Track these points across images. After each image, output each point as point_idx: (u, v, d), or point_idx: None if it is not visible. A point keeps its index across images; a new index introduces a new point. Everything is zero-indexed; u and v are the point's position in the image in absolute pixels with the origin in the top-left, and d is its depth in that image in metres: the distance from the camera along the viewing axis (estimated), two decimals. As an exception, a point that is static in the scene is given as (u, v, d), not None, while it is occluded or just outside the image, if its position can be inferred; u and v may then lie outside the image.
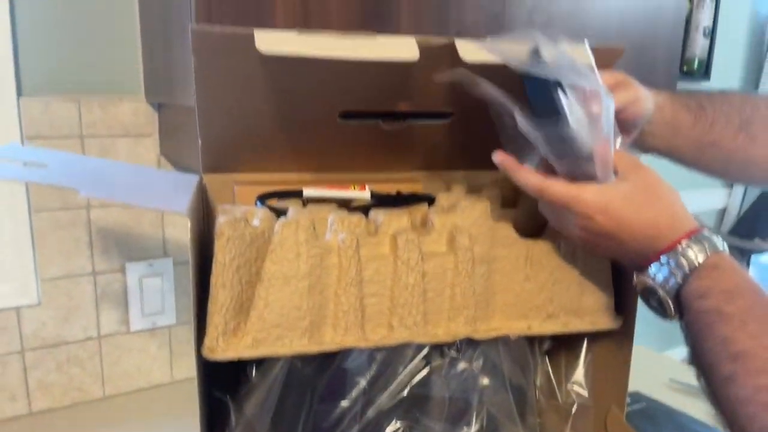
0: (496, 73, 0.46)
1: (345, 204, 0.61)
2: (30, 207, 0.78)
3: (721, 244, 0.44)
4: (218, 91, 0.51)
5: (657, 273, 0.44)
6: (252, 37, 0.44)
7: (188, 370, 0.92)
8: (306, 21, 0.65)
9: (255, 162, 0.62)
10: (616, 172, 0.47)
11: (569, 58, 0.45)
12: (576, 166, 0.46)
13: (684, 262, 0.43)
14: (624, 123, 0.54)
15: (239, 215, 0.46)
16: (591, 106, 0.45)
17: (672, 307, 0.44)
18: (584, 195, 0.46)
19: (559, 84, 0.44)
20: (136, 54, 0.82)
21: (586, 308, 0.55)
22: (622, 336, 0.57)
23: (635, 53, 0.88)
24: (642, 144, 0.61)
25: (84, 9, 0.78)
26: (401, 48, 0.46)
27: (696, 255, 0.43)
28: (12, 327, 0.79)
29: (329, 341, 0.48)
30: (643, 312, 0.50)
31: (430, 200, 0.60)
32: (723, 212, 1.67)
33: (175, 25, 0.68)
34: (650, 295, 0.46)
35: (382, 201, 0.60)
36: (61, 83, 0.79)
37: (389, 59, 0.45)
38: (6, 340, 0.79)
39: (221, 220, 0.46)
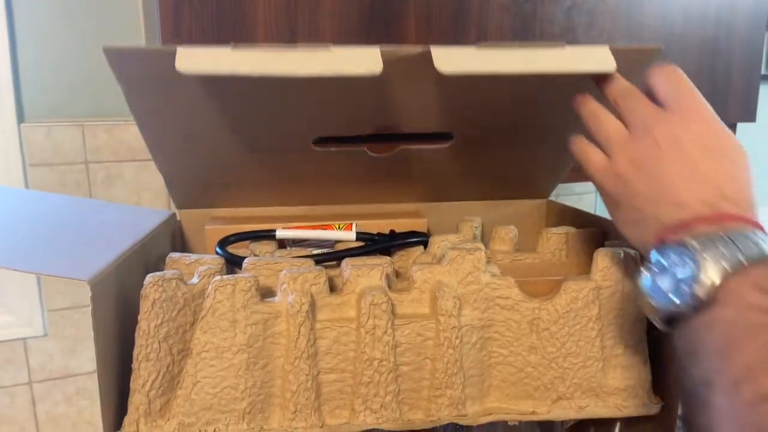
0: (482, 84, 0.36)
1: (328, 245, 0.53)
2: (33, 236, 0.75)
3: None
4: (160, 121, 0.45)
5: (706, 242, 0.31)
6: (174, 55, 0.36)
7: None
8: (293, 34, 0.57)
9: (229, 197, 0.55)
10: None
11: None
12: None
13: (750, 244, 0.30)
14: None
15: (170, 275, 0.39)
16: None
17: (710, 291, 0.30)
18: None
19: None
20: (142, 74, 0.78)
21: (609, 388, 0.43)
22: (662, 419, 0.45)
23: (705, 54, 0.73)
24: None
25: (87, 32, 0.75)
26: (361, 60, 0.37)
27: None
28: (19, 359, 0.77)
29: (276, 426, 0.39)
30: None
31: (426, 243, 0.51)
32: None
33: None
34: (679, 264, 0.31)
35: (369, 243, 0.52)
36: (65, 108, 0.75)
37: (345, 74, 0.36)
38: (13, 372, 0.77)
39: (147, 280, 0.39)
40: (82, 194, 0.77)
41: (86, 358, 0.80)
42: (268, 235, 0.51)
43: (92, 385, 0.81)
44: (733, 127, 0.82)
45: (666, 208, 0.34)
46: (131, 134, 0.78)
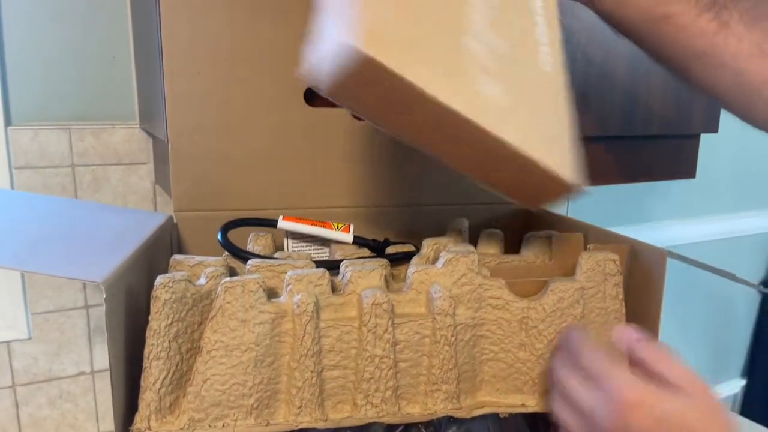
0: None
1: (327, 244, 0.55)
2: (19, 239, 0.75)
3: None
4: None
5: None
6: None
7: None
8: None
9: (228, 198, 0.57)
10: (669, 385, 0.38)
11: None
12: None
13: None
14: None
15: (179, 276, 0.41)
16: None
17: None
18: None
19: None
20: (130, 79, 0.79)
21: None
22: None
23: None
24: (595, 4, 0.50)
25: (75, 35, 0.75)
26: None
27: None
28: (3, 362, 0.77)
29: (282, 421, 0.41)
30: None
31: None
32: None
33: (151, 47, 0.64)
34: None
35: (367, 247, 0.54)
36: (52, 111, 0.76)
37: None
38: (-4, 376, 0.77)
39: (158, 281, 0.40)
40: (67, 197, 0.77)
41: (70, 362, 0.80)
42: (270, 223, 0.53)
43: (76, 388, 0.81)
44: (696, 137, 0.87)
45: None
46: (118, 138, 0.78)
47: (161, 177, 0.79)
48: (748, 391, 1.60)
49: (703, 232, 1.36)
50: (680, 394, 0.37)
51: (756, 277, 1.55)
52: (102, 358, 0.81)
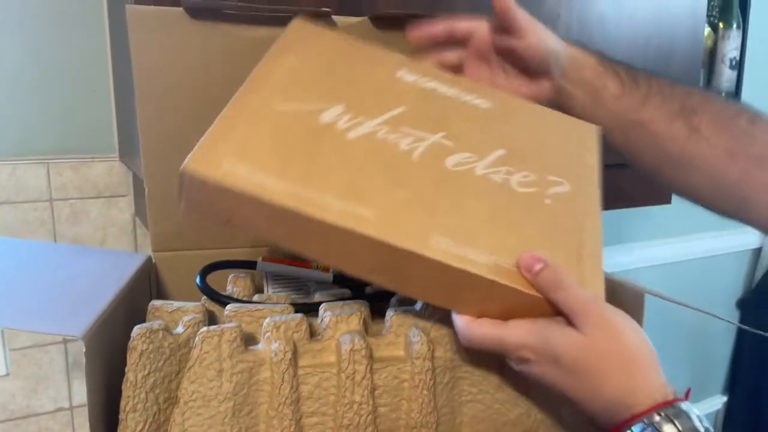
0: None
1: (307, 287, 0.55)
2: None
3: (701, 425, 0.35)
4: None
5: None
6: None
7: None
8: None
9: (218, 238, 0.57)
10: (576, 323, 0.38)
11: None
12: None
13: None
14: (520, 61, 0.50)
15: (157, 326, 0.40)
16: None
17: None
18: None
19: None
20: (109, 111, 0.79)
21: (570, 422, 0.47)
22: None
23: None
24: (563, 107, 0.52)
25: (52, 68, 0.75)
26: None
27: None
28: (-22, 400, 0.76)
29: (260, 469, 0.41)
30: None
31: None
32: (758, 252, 1.54)
33: (127, 83, 0.64)
34: None
35: (347, 286, 0.54)
36: (30, 146, 0.75)
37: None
38: (-28, 414, 0.75)
39: (135, 332, 0.40)
40: (46, 232, 0.76)
41: (48, 398, 0.79)
42: (249, 265, 0.53)
43: (54, 424, 0.80)
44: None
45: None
46: (97, 171, 0.78)
47: (141, 210, 0.78)
48: (729, 407, 1.61)
49: (682, 252, 1.38)
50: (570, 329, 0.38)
51: (734, 294, 1.57)
52: (81, 393, 0.80)
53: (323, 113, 0.42)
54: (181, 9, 0.53)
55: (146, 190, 0.56)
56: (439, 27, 0.51)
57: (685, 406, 0.36)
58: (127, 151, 0.74)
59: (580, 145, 0.48)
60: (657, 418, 0.35)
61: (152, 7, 0.54)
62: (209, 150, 0.38)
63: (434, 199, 0.41)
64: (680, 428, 0.34)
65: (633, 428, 0.35)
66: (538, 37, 0.50)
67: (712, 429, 0.36)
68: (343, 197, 0.38)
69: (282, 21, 0.50)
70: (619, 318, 0.38)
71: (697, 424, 0.35)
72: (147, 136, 0.55)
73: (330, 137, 0.41)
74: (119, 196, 0.79)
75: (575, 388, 0.38)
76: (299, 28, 0.49)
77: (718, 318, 0.50)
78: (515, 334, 0.39)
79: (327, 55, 0.47)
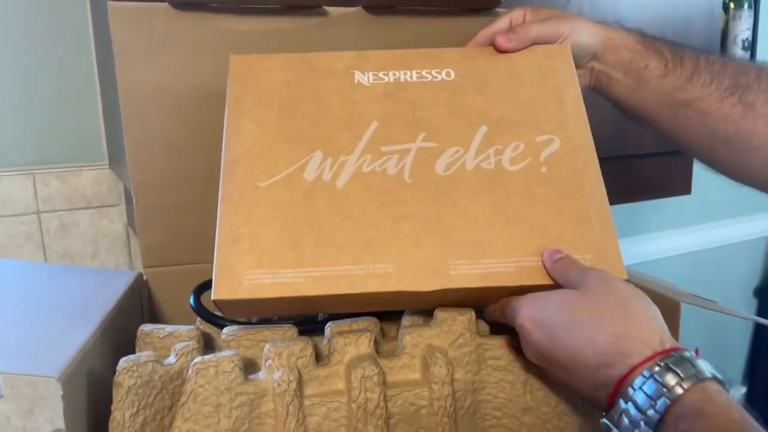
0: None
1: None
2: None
3: (707, 370, 0.32)
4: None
5: (634, 396, 0.33)
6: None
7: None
8: None
9: (211, 252, 0.53)
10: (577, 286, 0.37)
11: None
12: None
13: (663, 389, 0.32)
14: None
15: (145, 358, 0.36)
16: None
17: None
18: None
19: None
20: (97, 117, 0.74)
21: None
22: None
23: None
24: (604, 90, 0.51)
25: (34, 70, 0.71)
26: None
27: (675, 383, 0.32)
28: (-30, 425, 0.72)
29: None
30: None
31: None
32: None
33: (112, 88, 0.60)
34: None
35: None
36: (14, 156, 0.71)
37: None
38: (-37, 440, 0.72)
39: (120, 365, 0.36)
40: (33, 246, 0.72)
41: (44, 419, 0.75)
42: None
43: (51, 447, 0.76)
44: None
45: None
46: (86, 180, 0.74)
47: (133, 220, 0.74)
48: (748, 397, 1.57)
49: (698, 241, 1.34)
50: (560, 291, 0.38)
51: (752, 283, 1.53)
52: (78, 413, 0.77)
53: (305, 170, 0.42)
54: (165, 3, 0.49)
55: (134, 200, 0.52)
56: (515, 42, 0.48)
57: (688, 354, 0.33)
58: (117, 158, 0.70)
59: (556, 79, 0.46)
60: (657, 368, 0.32)
61: (135, 2, 0.49)
62: (225, 272, 0.39)
63: (438, 218, 0.41)
64: (682, 376, 0.31)
65: (633, 384, 0.33)
66: (575, 36, 0.49)
67: (720, 376, 0.33)
68: (359, 261, 0.39)
69: (272, 12, 0.46)
70: (620, 281, 0.37)
71: (703, 368, 0.32)
72: (133, 141, 0.51)
73: (322, 195, 0.41)
74: (110, 206, 0.75)
75: (571, 349, 0.35)
76: (239, 67, 0.46)
77: (760, 322, 0.47)
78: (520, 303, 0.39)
79: (279, 93, 0.45)
